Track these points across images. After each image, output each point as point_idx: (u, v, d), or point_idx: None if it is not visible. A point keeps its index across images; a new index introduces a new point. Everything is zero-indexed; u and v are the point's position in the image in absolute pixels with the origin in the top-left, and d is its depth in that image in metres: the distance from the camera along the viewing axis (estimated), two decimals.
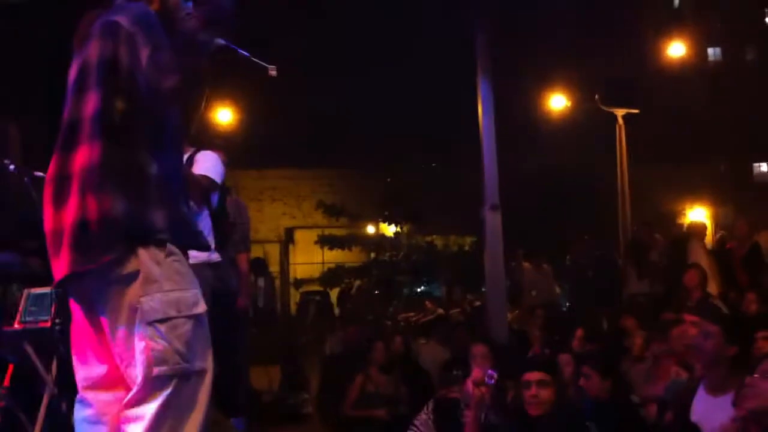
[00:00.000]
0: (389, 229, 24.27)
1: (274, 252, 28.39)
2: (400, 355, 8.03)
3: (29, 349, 4.43)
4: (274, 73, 3.05)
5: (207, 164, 5.00)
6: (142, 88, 2.51)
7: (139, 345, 2.48)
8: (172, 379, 2.48)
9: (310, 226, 28.75)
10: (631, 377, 5.70)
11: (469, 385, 4.76)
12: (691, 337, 4.68)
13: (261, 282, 15.55)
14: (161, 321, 2.48)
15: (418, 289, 23.97)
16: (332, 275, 24.19)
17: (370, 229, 26.48)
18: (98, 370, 2.66)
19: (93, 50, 2.63)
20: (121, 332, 2.54)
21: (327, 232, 24.95)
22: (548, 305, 10.74)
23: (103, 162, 2.52)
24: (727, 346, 3.96)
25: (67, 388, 3.70)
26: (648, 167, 24.29)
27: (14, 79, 8.27)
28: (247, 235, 6.85)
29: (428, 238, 24.17)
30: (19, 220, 5.01)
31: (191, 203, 4.10)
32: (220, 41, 2.77)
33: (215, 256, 4.93)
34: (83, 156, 2.54)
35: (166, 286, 2.51)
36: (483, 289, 10.99)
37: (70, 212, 2.52)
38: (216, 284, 4.82)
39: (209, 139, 5.45)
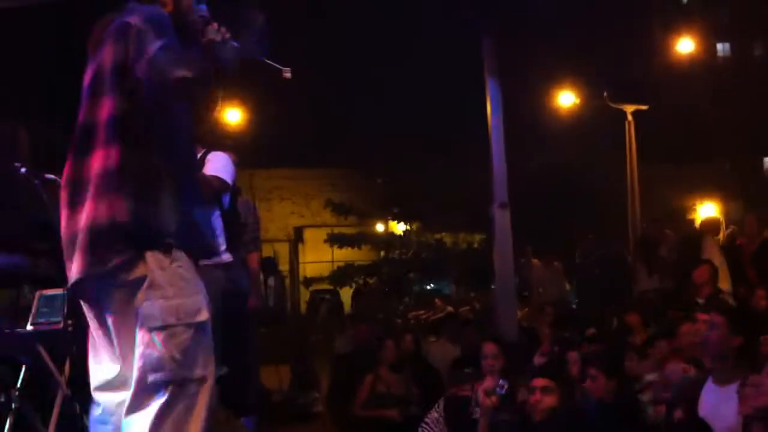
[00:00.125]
0: (398, 227, 24.26)
1: (283, 251, 28.37)
2: (411, 353, 7.95)
3: (42, 351, 4.45)
4: (288, 75, 3.02)
5: (218, 165, 5.00)
6: (144, 79, 2.51)
7: (137, 350, 2.51)
8: (167, 386, 2.49)
9: (319, 225, 28.74)
10: (635, 374, 5.69)
11: (481, 393, 4.84)
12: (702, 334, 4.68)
13: (271, 281, 15.55)
14: (160, 328, 2.50)
15: (428, 287, 23.96)
16: (342, 274, 24.19)
17: (379, 228, 26.46)
18: (110, 370, 2.68)
19: (107, 55, 2.65)
20: (126, 335, 2.57)
21: (336, 230, 24.94)
22: (558, 303, 10.75)
23: (122, 166, 2.54)
24: (732, 337, 3.98)
25: (80, 390, 3.72)
26: (657, 163, 24.20)
27: (14, 79, 8.30)
28: (258, 234, 6.86)
29: (437, 236, 24.15)
30: (30, 222, 5.02)
31: (204, 204, 4.11)
32: (235, 44, 2.75)
33: (226, 257, 4.95)
34: (99, 160, 2.57)
35: (169, 292, 2.53)
36: (492, 287, 10.96)
37: (84, 216, 2.55)
38: (227, 285, 4.84)
39: (219, 139, 5.45)
